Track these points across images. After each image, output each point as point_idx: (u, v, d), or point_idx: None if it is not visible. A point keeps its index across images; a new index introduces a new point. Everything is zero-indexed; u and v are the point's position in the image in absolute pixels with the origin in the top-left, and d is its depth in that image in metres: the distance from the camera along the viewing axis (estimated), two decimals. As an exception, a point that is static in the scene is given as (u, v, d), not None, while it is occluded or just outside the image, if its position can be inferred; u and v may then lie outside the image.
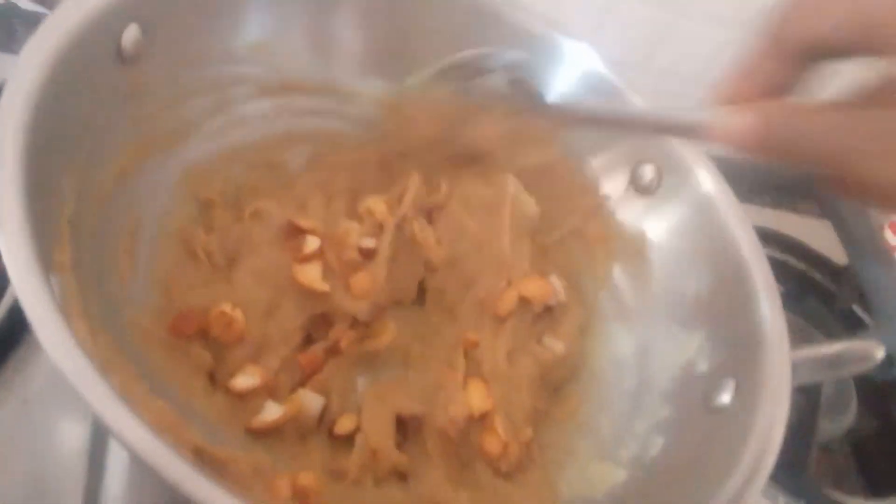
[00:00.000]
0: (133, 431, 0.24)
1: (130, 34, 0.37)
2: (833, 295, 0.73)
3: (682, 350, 0.45)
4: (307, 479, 0.34)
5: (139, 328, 0.36)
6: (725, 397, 0.40)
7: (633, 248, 0.50)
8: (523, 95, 0.45)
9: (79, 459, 0.40)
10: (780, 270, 0.40)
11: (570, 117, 0.46)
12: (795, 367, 0.39)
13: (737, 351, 0.42)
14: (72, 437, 0.41)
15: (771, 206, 0.82)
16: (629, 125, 0.43)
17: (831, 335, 0.67)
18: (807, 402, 0.55)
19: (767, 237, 0.72)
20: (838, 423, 0.59)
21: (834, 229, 0.52)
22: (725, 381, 0.40)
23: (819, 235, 0.76)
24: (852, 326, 0.70)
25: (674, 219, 0.49)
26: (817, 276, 0.75)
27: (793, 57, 0.29)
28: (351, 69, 0.50)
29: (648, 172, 0.51)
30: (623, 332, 0.49)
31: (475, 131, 0.47)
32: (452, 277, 0.47)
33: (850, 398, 0.60)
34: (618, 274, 0.51)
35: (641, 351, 0.47)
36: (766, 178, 0.65)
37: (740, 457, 0.35)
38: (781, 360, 0.39)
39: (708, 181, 0.48)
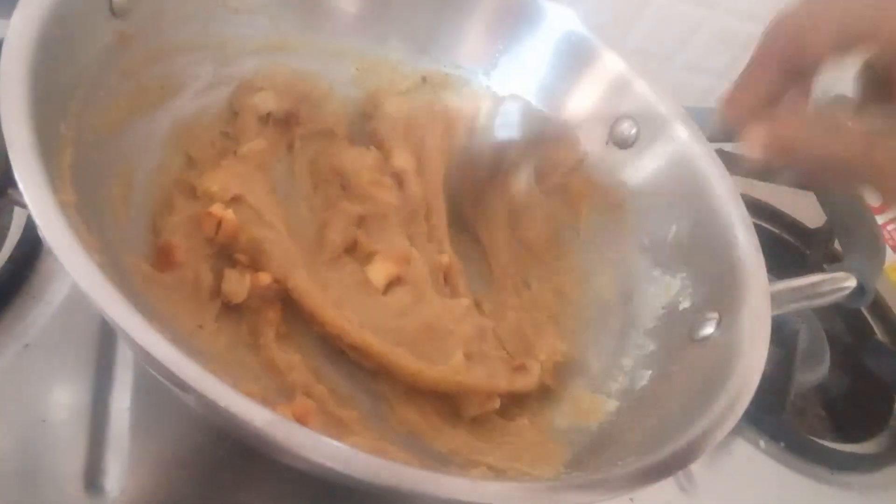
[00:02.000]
0: (151, 337, 0.25)
1: (120, -12, 0.38)
2: (804, 256, 0.76)
3: (665, 291, 0.46)
4: (304, 404, 0.35)
5: (139, 271, 0.37)
6: (709, 329, 0.41)
7: (614, 200, 0.52)
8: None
9: (82, 402, 0.41)
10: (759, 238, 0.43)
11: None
12: (774, 297, 0.41)
13: (718, 286, 0.43)
14: (75, 380, 0.42)
15: (744, 175, 0.85)
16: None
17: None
18: (784, 354, 0.58)
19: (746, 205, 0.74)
20: (813, 374, 0.61)
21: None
22: (709, 314, 0.42)
23: (790, 201, 0.80)
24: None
25: (652, 169, 0.51)
26: (789, 238, 0.78)
27: (789, 70, 0.32)
28: (338, 29, 0.52)
29: (627, 127, 0.52)
30: (606, 278, 0.50)
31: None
32: None
33: (824, 353, 0.63)
34: (599, 224, 0.52)
35: (625, 294, 0.49)
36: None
37: (727, 379, 0.36)
38: (760, 290, 0.41)
39: (683, 131, 0.50)
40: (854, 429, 0.62)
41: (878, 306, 0.72)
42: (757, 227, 0.43)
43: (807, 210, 0.79)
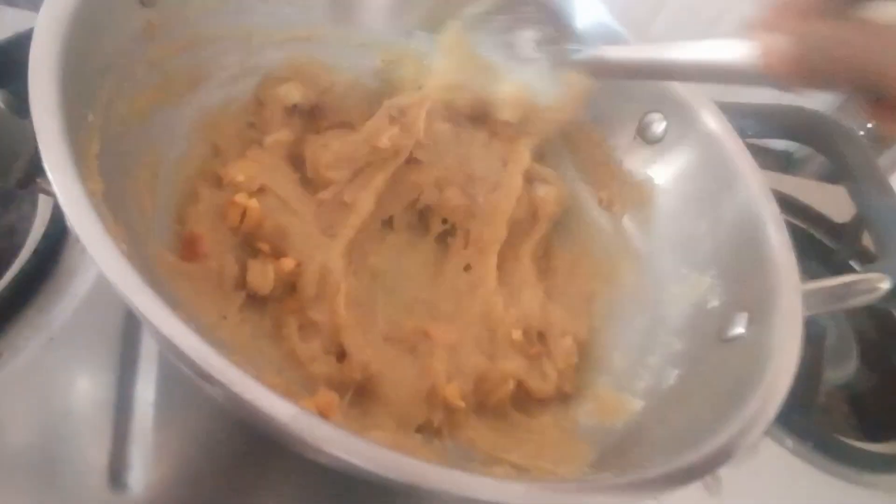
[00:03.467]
0: (176, 328, 0.25)
1: (150, -23, 0.38)
2: (832, 251, 0.74)
3: (693, 289, 0.45)
4: (327, 397, 0.35)
5: (165, 262, 0.37)
6: (739, 329, 0.40)
7: (642, 196, 0.51)
8: (554, 51, 0.46)
9: (106, 396, 0.41)
10: None
11: (604, 68, 0.45)
12: (805, 298, 0.40)
13: (748, 285, 0.42)
14: (99, 373, 0.42)
15: (773, 169, 0.84)
16: (664, 71, 0.42)
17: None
18: (812, 352, 0.57)
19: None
20: (840, 372, 0.61)
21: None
22: (738, 314, 0.41)
23: (818, 195, 0.78)
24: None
25: (681, 164, 0.50)
26: (815, 233, 0.76)
27: None
28: (365, 21, 0.51)
29: (655, 121, 0.51)
30: (633, 275, 0.49)
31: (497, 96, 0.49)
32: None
33: (851, 350, 0.62)
34: (627, 220, 0.51)
35: (652, 292, 0.48)
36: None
37: (758, 381, 0.35)
38: (793, 289, 0.40)
39: (712, 123, 0.49)
40: (881, 428, 0.61)
41: None
42: (786, 223, 0.42)
43: (835, 204, 0.77)
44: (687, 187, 0.49)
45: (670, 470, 0.30)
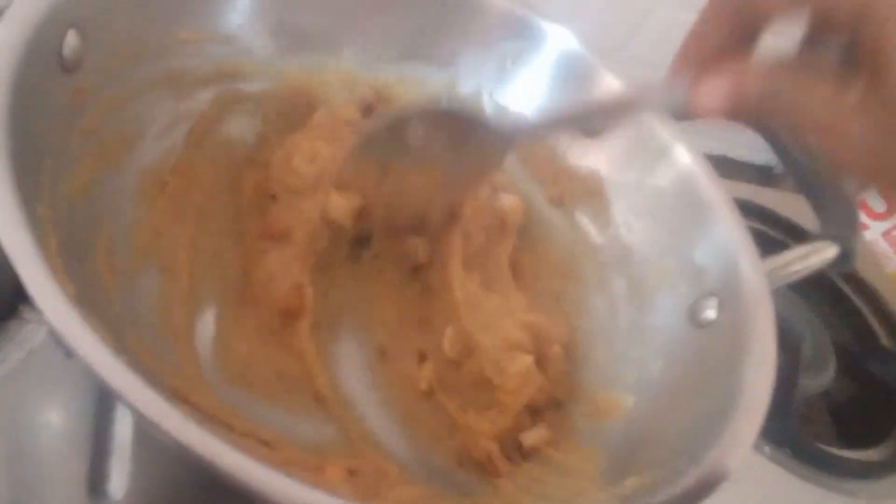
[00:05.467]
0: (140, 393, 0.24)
1: (70, 41, 0.35)
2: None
3: (658, 277, 0.47)
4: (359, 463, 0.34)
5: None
6: (711, 313, 0.43)
7: (590, 189, 0.52)
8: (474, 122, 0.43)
9: (86, 407, 0.41)
10: (759, 239, 0.43)
11: (536, 130, 0.46)
12: (767, 275, 0.42)
13: (710, 268, 0.44)
14: (78, 385, 0.41)
15: (748, 182, 0.88)
16: (606, 114, 0.43)
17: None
18: (788, 359, 0.59)
19: (749, 209, 0.76)
20: (818, 381, 0.63)
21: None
22: (707, 299, 0.43)
23: (789, 204, 0.81)
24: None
25: (621, 152, 0.51)
26: (793, 244, 0.79)
27: (738, 24, 0.31)
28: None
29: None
30: (595, 269, 0.51)
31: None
32: None
33: (829, 359, 0.65)
34: (580, 215, 0.53)
35: (618, 284, 0.49)
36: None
37: (742, 360, 0.38)
38: (754, 267, 0.42)
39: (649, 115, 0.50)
40: (860, 436, 0.63)
41: (883, 312, 0.73)
42: (754, 229, 0.44)
43: (811, 215, 0.81)
44: (632, 175, 0.51)
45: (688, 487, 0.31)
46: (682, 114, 0.33)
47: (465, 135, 0.42)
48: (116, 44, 0.39)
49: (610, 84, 0.51)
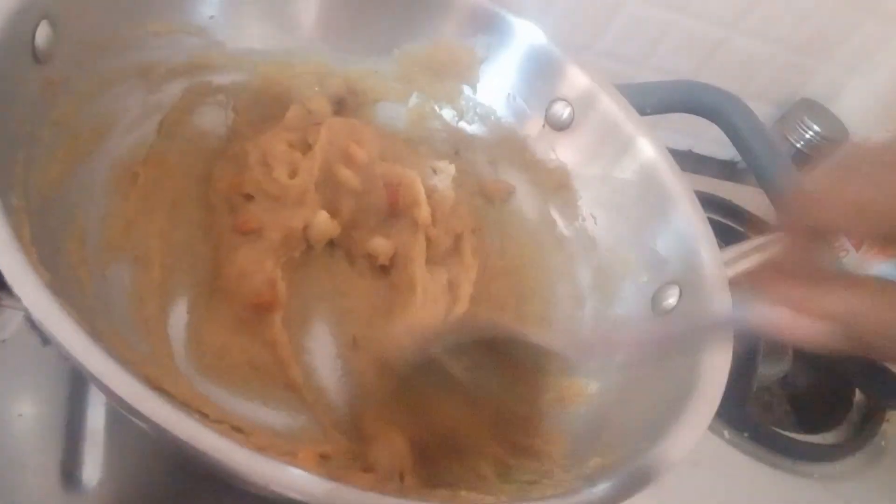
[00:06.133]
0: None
1: (42, 32, 0.35)
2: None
3: (621, 267, 0.49)
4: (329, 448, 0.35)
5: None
6: (672, 301, 0.44)
7: (558, 181, 0.53)
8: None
9: (59, 396, 0.41)
10: (721, 231, 0.44)
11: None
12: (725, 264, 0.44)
13: (671, 258, 0.46)
14: (51, 374, 0.41)
15: (712, 176, 0.90)
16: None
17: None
18: (747, 348, 0.61)
19: (711, 202, 0.77)
20: (776, 368, 0.65)
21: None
22: (668, 287, 0.45)
23: (757, 202, 0.82)
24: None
25: (588, 145, 0.53)
26: (753, 236, 0.80)
27: (812, 240, 0.29)
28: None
29: (560, 108, 0.54)
30: (561, 258, 0.52)
31: None
32: None
33: (786, 347, 0.66)
34: (549, 206, 0.54)
35: (582, 274, 0.51)
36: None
37: (700, 350, 0.39)
38: (713, 257, 0.44)
39: (612, 103, 0.52)
40: (816, 421, 0.65)
41: None
42: (716, 222, 0.45)
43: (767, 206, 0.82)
44: (597, 168, 0.52)
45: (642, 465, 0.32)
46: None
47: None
48: (88, 35, 0.39)
49: (581, 81, 0.53)
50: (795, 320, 0.29)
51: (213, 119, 0.49)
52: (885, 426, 0.64)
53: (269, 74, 0.51)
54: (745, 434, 0.58)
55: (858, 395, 0.66)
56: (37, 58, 0.35)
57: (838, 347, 0.28)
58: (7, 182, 0.31)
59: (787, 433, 0.60)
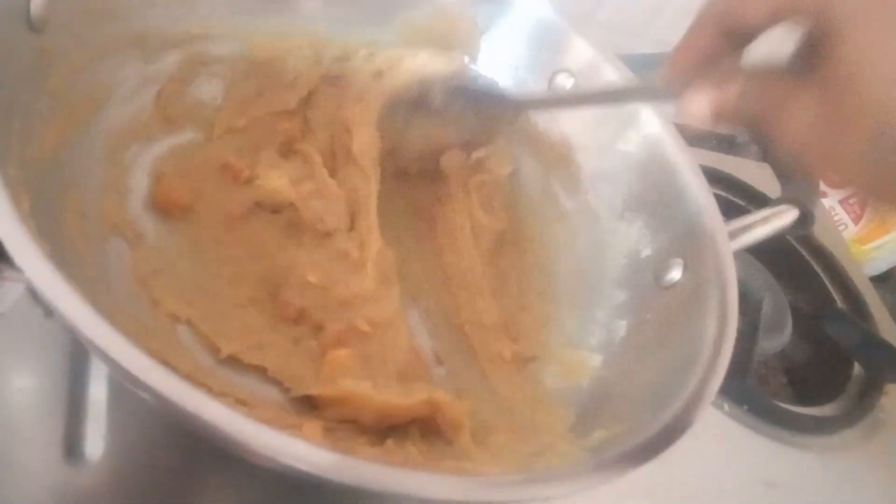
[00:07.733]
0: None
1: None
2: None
3: (624, 240, 0.48)
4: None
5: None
6: (675, 274, 0.44)
7: (560, 154, 0.53)
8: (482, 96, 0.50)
9: (61, 369, 0.41)
10: (722, 206, 0.45)
11: (539, 104, 0.50)
12: (730, 237, 0.44)
13: (675, 231, 0.46)
14: (52, 348, 0.41)
15: (714, 150, 0.89)
16: (606, 99, 0.47)
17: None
18: (748, 322, 0.61)
19: (713, 176, 0.75)
20: (776, 341, 0.65)
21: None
22: (672, 260, 0.45)
23: (756, 175, 0.82)
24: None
25: (591, 118, 0.52)
26: (754, 210, 0.78)
27: (726, 33, 0.32)
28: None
29: (563, 79, 0.53)
30: (564, 232, 0.52)
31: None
32: None
33: (786, 321, 0.66)
34: (552, 180, 0.53)
35: (585, 248, 0.50)
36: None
37: (704, 319, 0.39)
38: (718, 231, 0.44)
39: (615, 74, 0.51)
40: (814, 393, 0.65)
41: (839, 277, 0.75)
42: (718, 196, 0.45)
43: (772, 182, 0.81)
44: (601, 140, 0.52)
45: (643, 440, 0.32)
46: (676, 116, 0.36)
47: (478, 102, 0.49)
48: (83, 3, 0.38)
49: (585, 53, 0.52)
50: (696, 97, 0.33)
51: (210, 89, 0.48)
52: (883, 399, 0.64)
53: (265, 44, 0.50)
54: (745, 407, 0.58)
55: (857, 369, 0.66)
56: (32, 26, 0.34)
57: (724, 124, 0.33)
58: (4, 153, 0.31)
59: (786, 406, 0.60)
